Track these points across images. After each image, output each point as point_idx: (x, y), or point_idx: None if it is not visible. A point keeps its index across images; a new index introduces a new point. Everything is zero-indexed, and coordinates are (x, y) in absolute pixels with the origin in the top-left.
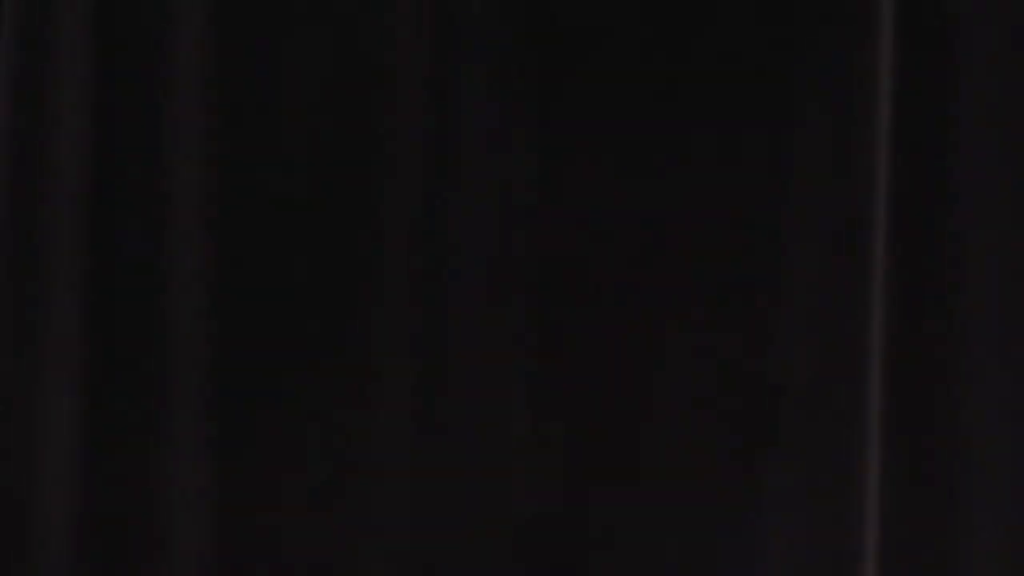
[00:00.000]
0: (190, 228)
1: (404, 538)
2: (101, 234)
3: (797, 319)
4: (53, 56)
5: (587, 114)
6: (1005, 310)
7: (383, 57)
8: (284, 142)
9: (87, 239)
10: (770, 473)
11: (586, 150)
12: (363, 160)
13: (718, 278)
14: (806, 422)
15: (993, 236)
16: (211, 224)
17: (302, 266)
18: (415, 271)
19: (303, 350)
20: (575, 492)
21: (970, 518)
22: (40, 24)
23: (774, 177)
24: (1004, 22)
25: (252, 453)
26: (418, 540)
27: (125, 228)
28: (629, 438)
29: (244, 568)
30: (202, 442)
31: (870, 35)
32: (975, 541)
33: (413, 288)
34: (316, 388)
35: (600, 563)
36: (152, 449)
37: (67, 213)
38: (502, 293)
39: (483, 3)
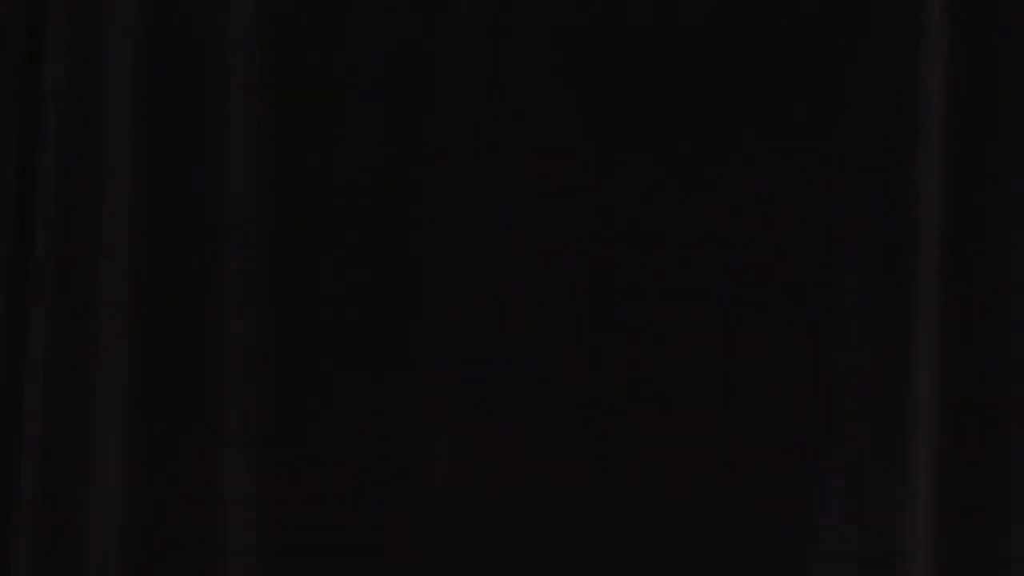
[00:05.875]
0: (238, 229)
1: (455, 537)
2: (149, 235)
3: (848, 319)
4: (100, 60)
5: (637, 115)
6: None
7: (435, 57)
8: (334, 143)
9: (135, 241)
10: (823, 471)
11: (636, 152)
12: (414, 161)
13: (769, 279)
14: (858, 420)
15: None
16: (260, 225)
17: (351, 267)
18: (466, 269)
19: (353, 351)
20: (627, 489)
21: (1022, 513)
22: (89, 23)
23: (824, 179)
24: None
25: (301, 452)
26: (469, 541)
27: (173, 228)
28: (682, 438)
29: (293, 565)
30: (251, 441)
31: (918, 40)
32: None
33: (463, 287)
34: (366, 388)
35: (654, 557)
36: (200, 449)
37: (115, 214)
38: (553, 294)
39: (532, 19)
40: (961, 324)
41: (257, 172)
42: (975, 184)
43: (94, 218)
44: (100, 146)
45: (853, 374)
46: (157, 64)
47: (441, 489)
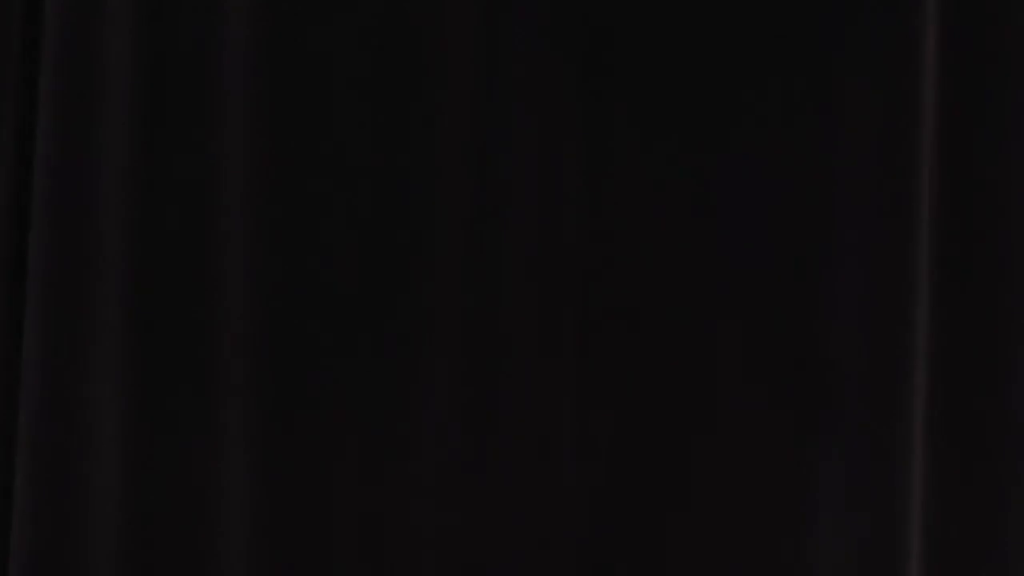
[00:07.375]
0: (236, 226)
1: (450, 527)
2: (146, 233)
3: (846, 305)
4: (97, 49)
5: (633, 105)
6: None
7: (430, 57)
8: (331, 138)
9: (132, 239)
10: (820, 456)
11: (632, 142)
12: (411, 161)
13: (768, 266)
14: (855, 406)
15: None
16: (257, 221)
17: (349, 260)
18: (464, 262)
19: (351, 345)
20: (624, 476)
21: (1018, 500)
22: (88, 22)
23: (822, 163)
24: None
25: (300, 447)
26: (467, 531)
27: (170, 225)
28: (681, 424)
29: (288, 558)
30: (250, 436)
31: (914, 21)
32: (1022, 522)
33: (462, 281)
34: (364, 383)
35: (653, 543)
36: (199, 445)
37: (113, 207)
38: (551, 285)
39: (528, 10)
40: (958, 312)
41: (254, 168)
42: (973, 171)
43: (92, 217)
44: (98, 145)
45: (851, 361)
46: (155, 63)
47: (440, 481)
